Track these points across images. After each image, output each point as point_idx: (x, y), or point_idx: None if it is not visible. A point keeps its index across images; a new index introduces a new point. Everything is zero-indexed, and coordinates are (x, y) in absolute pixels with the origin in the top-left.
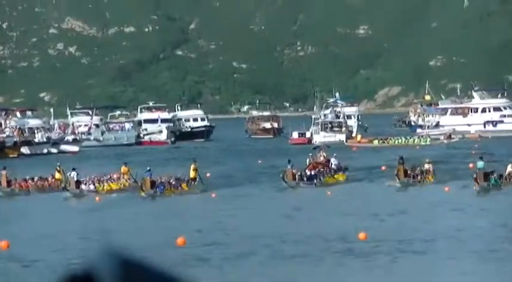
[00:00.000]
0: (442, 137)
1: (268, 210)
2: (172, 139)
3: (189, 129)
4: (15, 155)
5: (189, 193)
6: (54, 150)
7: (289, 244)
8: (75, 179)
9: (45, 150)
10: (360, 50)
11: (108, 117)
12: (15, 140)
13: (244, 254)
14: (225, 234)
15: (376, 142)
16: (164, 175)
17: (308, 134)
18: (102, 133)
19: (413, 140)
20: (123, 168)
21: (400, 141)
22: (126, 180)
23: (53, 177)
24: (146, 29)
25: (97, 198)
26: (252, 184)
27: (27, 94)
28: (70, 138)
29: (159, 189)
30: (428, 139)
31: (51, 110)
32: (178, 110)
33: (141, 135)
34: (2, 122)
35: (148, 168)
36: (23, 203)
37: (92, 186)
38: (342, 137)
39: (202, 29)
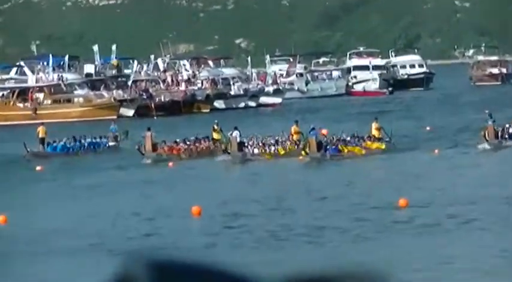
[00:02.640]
0: None
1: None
2: (390, 89)
3: (405, 77)
4: (208, 110)
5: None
6: (252, 104)
7: None
8: (238, 139)
9: (242, 104)
10: None
11: (312, 64)
12: (207, 92)
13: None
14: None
15: None
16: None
17: None
18: (307, 83)
19: None
20: (294, 128)
21: None
22: (292, 143)
23: (210, 138)
24: None
25: (261, 164)
26: (466, 141)
27: (221, 41)
28: (270, 89)
29: (329, 151)
30: None
31: (248, 58)
32: (392, 56)
33: (350, 84)
34: (194, 72)
35: (312, 127)
36: (172, 171)
37: (256, 150)
38: None
39: None
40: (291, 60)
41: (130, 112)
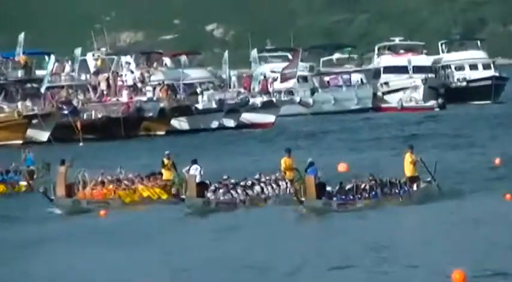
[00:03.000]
0: None
1: None
2: (440, 101)
3: (463, 84)
4: (163, 132)
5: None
6: (230, 123)
7: None
8: (198, 178)
9: (215, 123)
10: None
11: (321, 63)
12: (162, 105)
13: None
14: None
15: None
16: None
17: None
18: (313, 92)
19: None
20: (285, 161)
21: None
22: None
23: (155, 176)
24: None
25: (231, 216)
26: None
27: (184, 27)
28: (258, 101)
29: (337, 198)
30: None
31: (225, 53)
32: (443, 51)
33: (379, 93)
34: (142, 75)
35: (310, 161)
36: (104, 225)
37: (223, 195)
38: None
39: None
40: (290, 56)
41: (43, 135)
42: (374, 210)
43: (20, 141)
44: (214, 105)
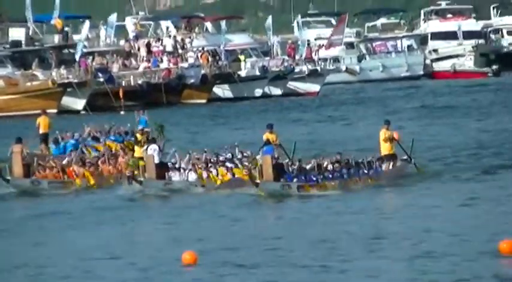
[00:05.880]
0: None
1: None
2: (494, 67)
3: None
4: (204, 100)
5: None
6: (275, 91)
7: None
8: (156, 158)
9: (258, 91)
10: None
11: (365, 29)
12: (204, 72)
13: None
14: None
15: None
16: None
17: None
18: (361, 58)
19: None
20: (268, 136)
21: None
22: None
23: (125, 152)
24: None
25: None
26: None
27: None
28: (304, 68)
29: (299, 178)
30: None
31: (269, 18)
32: (494, 14)
33: (428, 60)
34: (183, 40)
35: (265, 139)
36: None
37: (192, 175)
38: None
39: None
40: (334, 22)
41: (79, 103)
42: (341, 193)
43: (55, 110)
44: (257, 73)
